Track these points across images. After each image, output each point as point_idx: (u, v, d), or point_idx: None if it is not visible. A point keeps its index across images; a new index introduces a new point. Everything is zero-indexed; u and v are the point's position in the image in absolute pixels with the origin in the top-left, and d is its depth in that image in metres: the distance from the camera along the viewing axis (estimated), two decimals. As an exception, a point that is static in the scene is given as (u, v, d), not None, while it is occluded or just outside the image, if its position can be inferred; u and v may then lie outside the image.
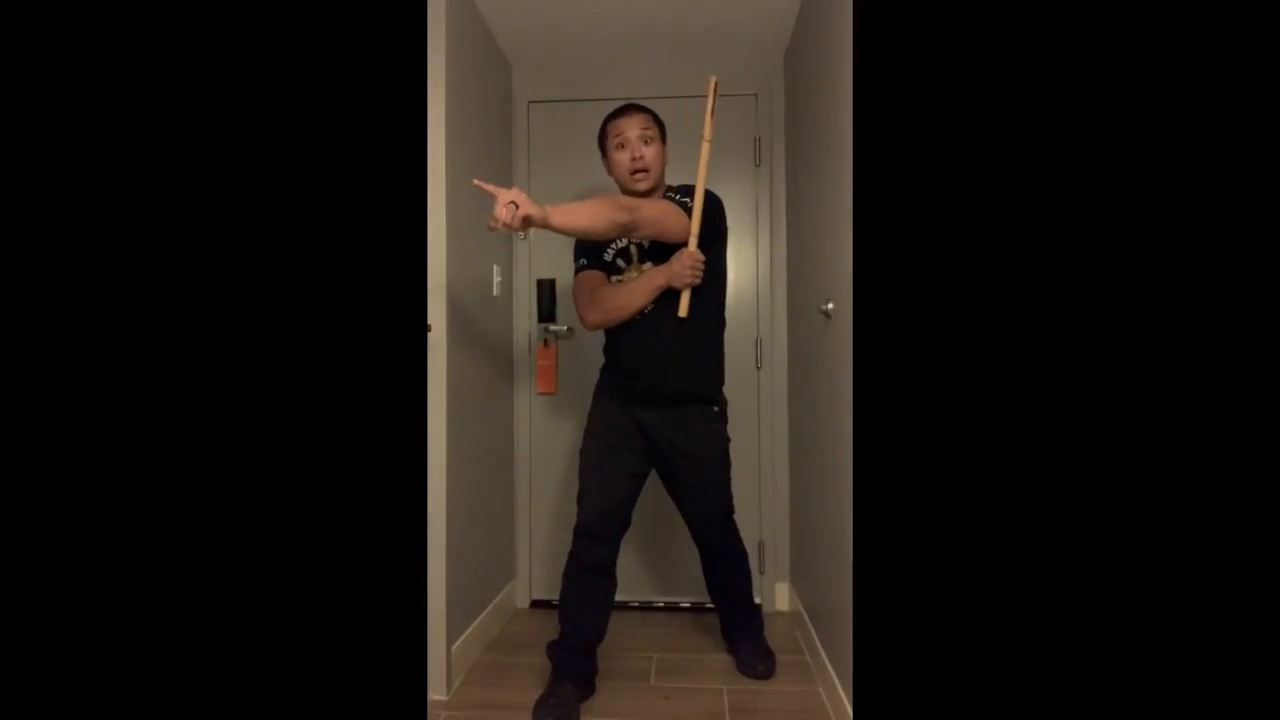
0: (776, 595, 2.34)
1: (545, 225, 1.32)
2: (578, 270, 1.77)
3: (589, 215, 1.41)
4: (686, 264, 1.59)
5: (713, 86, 1.68)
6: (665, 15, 2.11)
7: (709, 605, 2.23)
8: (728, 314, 1.82)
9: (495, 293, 2.17)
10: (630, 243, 1.72)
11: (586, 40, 2.27)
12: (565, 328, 2.35)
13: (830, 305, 1.60)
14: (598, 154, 1.81)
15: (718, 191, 1.74)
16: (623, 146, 1.69)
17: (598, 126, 1.79)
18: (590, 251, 1.77)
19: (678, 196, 1.64)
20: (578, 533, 1.66)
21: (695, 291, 1.63)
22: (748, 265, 2.39)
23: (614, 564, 1.68)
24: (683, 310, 1.62)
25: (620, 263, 1.73)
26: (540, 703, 1.57)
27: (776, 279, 2.36)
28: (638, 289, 1.65)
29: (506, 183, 2.36)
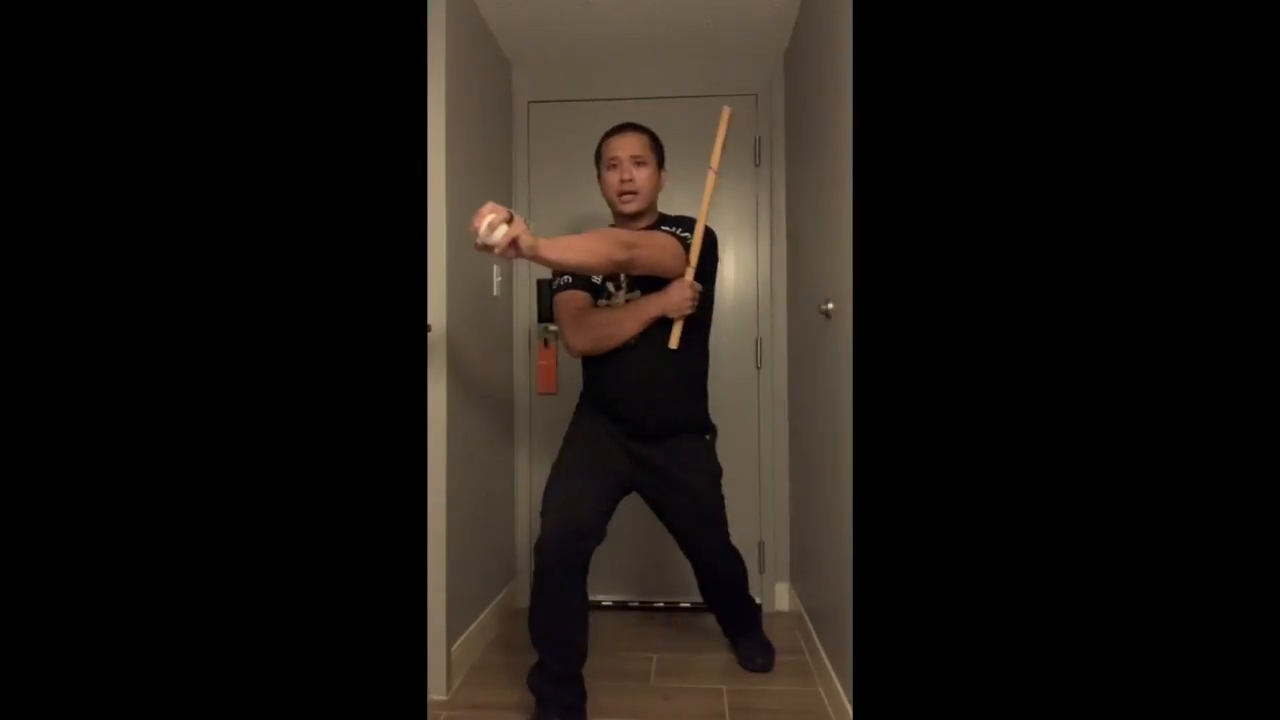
0: (776, 595, 2.34)
1: (535, 257, 1.20)
2: (559, 288, 1.66)
3: (585, 251, 1.32)
4: (686, 295, 1.53)
5: (725, 118, 1.60)
6: (665, 15, 2.11)
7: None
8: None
9: (495, 293, 2.17)
10: None
11: (586, 40, 2.27)
12: (565, 328, 2.35)
13: (830, 305, 1.60)
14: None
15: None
16: (614, 167, 1.63)
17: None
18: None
19: (679, 231, 1.58)
20: (543, 549, 1.47)
21: (685, 322, 1.57)
22: (748, 265, 2.39)
23: (585, 572, 1.51)
24: (674, 341, 1.55)
25: (609, 286, 1.64)
26: None
27: (776, 279, 2.36)
28: (630, 317, 1.57)
29: (507, 185, 2.36)
